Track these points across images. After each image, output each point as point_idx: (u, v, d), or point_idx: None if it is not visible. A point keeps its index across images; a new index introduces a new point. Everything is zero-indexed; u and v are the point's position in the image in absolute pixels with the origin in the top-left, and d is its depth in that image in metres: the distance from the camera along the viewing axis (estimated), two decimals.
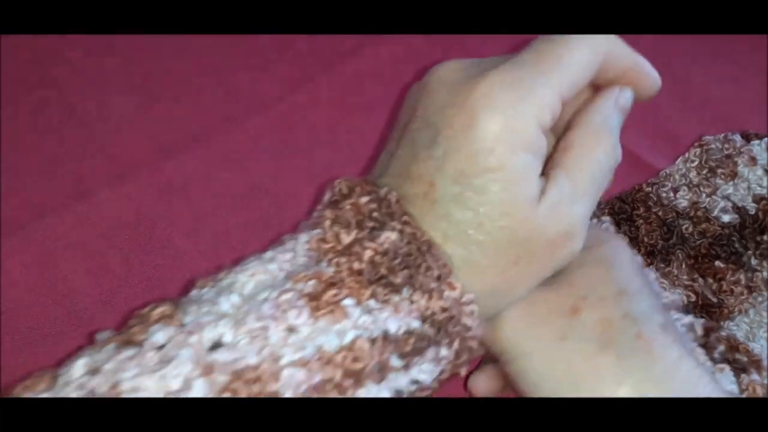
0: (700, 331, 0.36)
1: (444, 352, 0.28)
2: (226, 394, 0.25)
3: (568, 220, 0.29)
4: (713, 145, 0.43)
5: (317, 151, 0.47)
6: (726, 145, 0.43)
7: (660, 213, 0.41)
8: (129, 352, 0.25)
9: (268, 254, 0.28)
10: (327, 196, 0.31)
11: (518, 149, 0.28)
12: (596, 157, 0.30)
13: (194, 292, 0.28)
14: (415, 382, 0.27)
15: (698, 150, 0.43)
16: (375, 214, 0.28)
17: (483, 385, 0.34)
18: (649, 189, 0.42)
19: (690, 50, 0.54)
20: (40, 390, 0.25)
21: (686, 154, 0.43)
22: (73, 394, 0.25)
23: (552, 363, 0.29)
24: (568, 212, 0.29)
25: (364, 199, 0.29)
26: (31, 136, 0.47)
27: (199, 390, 0.24)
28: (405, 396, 0.28)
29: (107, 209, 0.44)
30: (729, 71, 0.53)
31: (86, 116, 0.49)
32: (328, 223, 0.28)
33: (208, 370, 0.25)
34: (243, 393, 0.25)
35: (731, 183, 0.41)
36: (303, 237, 0.28)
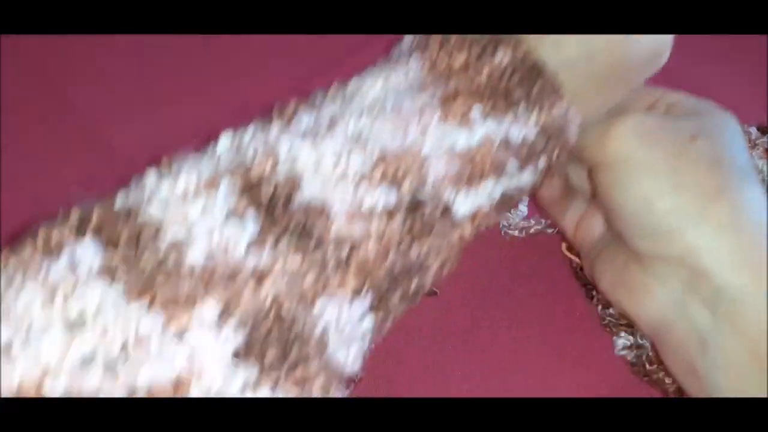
0: None
1: (542, 163, 0.31)
2: (378, 171, 0.27)
3: (661, 41, 0.33)
4: None
5: None
6: None
7: None
8: (276, 127, 0.28)
9: (384, 69, 0.30)
10: None
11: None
12: None
13: (317, 97, 0.30)
14: (519, 187, 0.31)
15: None
16: (483, 39, 0.30)
17: (548, 190, 0.38)
18: None
19: (690, 51, 0.54)
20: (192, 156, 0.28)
21: None
22: (225, 164, 0.27)
23: (659, 171, 0.31)
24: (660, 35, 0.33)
25: None
26: (30, 135, 0.47)
27: (355, 161, 0.27)
28: (507, 197, 0.30)
29: None
30: (729, 72, 0.53)
31: (86, 116, 0.48)
32: (436, 46, 0.30)
33: (361, 145, 0.27)
34: (390, 171, 0.27)
35: None
36: (414, 57, 0.30)
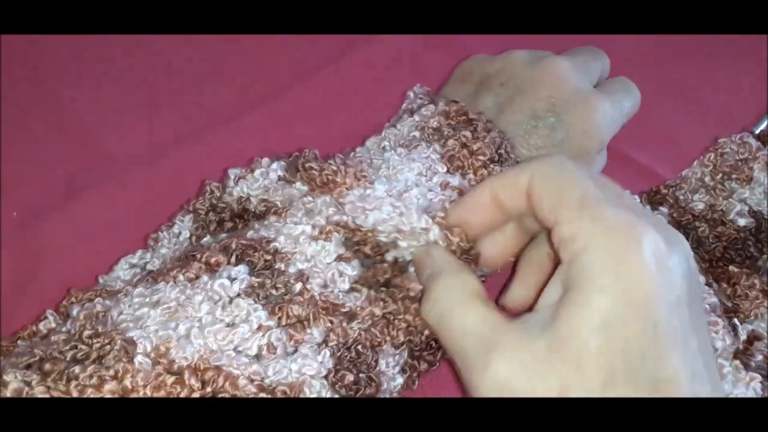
0: (744, 335, 0.36)
1: None
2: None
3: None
4: (728, 149, 0.43)
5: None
6: (741, 149, 0.42)
7: (675, 215, 0.41)
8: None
9: (411, 155, 0.37)
10: (440, 106, 0.40)
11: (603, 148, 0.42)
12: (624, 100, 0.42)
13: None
14: None
15: (712, 154, 0.43)
16: (501, 151, 0.38)
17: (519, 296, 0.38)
18: (666, 191, 0.42)
19: (689, 51, 0.54)
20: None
21: (701, 158, 0.43)
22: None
23: None
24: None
25: (493, 135, 0.38)
26: (23, 135, 0.46)
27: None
28: None
29: (100, 208, 0.43)
30: (728, 72, 0.53)
31: (79, 115, 0.48)
32: (458, 145, 0.38)
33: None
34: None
35: (747, 187, 0.41)
36: (434, 148, 0.38)
